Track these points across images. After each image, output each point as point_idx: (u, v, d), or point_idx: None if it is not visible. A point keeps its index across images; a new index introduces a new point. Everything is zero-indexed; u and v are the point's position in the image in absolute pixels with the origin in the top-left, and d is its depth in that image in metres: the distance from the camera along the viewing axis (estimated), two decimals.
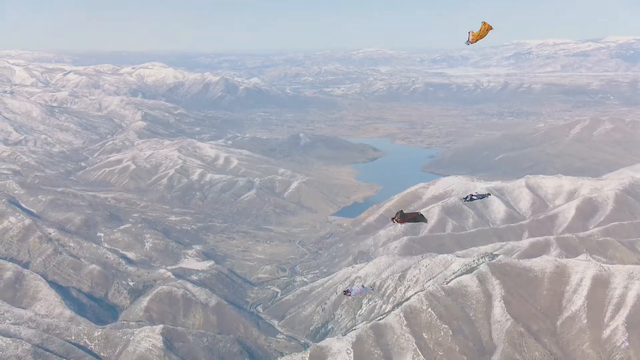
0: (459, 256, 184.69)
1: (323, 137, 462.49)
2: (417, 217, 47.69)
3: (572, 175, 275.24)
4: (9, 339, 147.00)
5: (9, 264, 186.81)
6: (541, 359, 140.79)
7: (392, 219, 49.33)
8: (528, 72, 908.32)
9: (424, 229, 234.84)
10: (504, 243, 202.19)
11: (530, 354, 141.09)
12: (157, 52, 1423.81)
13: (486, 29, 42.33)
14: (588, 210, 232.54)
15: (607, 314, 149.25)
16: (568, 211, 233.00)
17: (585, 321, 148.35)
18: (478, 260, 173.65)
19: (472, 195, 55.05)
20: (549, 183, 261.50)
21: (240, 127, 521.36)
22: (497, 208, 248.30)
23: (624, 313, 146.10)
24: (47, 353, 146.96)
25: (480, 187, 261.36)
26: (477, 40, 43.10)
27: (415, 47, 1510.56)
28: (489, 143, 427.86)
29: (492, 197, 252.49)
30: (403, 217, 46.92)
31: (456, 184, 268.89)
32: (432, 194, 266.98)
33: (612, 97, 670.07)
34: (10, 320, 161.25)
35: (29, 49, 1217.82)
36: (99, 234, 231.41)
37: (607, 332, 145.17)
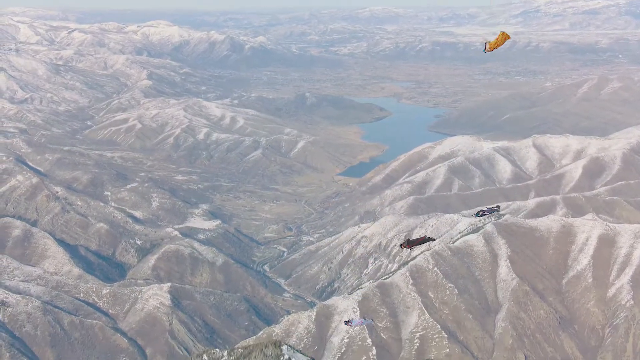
0: (465, 216, 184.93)
1: (329, 97, 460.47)
2: (425, 240, 48.69)
3: (580, 135, 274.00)
4: (18, 295, 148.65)
5: (18, 222, 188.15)
6: (546, 317, 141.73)
7: (401, 245, 50.50)
8: (536, 31, 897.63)
9: (430, 188, 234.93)
10: (510, 203, 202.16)
11: (535, 313, 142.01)
12: (162, 10, 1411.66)
13: (504, 38, 42.91)
14: (595, 169, 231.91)
15: (612, 273, 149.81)
16: (575, 171, 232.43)
17: (590, 280, 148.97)
18: (484, 220, 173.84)
19: (483, 210, 55.53)
20: (556, 142, 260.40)
21: (246, 87, 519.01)
22: (503, 168, 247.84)
23: (629, 272, 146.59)
24: (57, 310, 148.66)
25: (486, 146, 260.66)
26: (494, 48, 43.80)
27: (422, 5, 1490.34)
28: (496, 102, 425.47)
29: (498, 156, 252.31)
30: (411, 243, 47.83)
31: (462, 144, 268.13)
32: (439, 153, 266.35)
33: (620, 56, 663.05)
34: (19, 277, 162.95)
35: (32, 6, 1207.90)
36: (105, 192, 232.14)
37: (612, 291, 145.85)
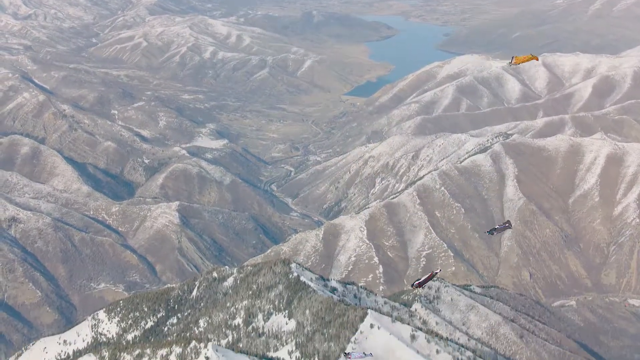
0: (472, 136, 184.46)
1: (336, 15, 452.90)
2: (433, 275, 49.84)
3: (590, 53, 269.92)
4: (29, 212, 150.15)
5: (26, 140, 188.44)
6: (552, 236, 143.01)
7: (412, 285, 51.46)
8: None
9: (438, 108, 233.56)
10: (518, 122, 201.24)
11: (541, 232, 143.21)
12: None
13: (531, 59, 43.91)
14: (605, 88, 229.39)
15: (619, 192, 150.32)
16: (584, 89, 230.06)
17: (597, 199, 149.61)
18: (492, 139, 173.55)
19: (495, 227, 55.92)
20: (566, 61, 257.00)
21: (252, 4, 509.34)
22: (512, 87, 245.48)
23: (636, 190, 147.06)
24: (67, 227, 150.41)
25: (495, 65, 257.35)
26: (519, 63, 44.87)
27: None
28: (506, 20, 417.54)
29: (507, 75, 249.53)
30: (421, 283, 48.78)
31: (471, 63, 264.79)
32: (447, 73, 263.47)
33: None
34: (29, 194, 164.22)
35: None
36: (112, 111, 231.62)
37: (618, 209, 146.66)
